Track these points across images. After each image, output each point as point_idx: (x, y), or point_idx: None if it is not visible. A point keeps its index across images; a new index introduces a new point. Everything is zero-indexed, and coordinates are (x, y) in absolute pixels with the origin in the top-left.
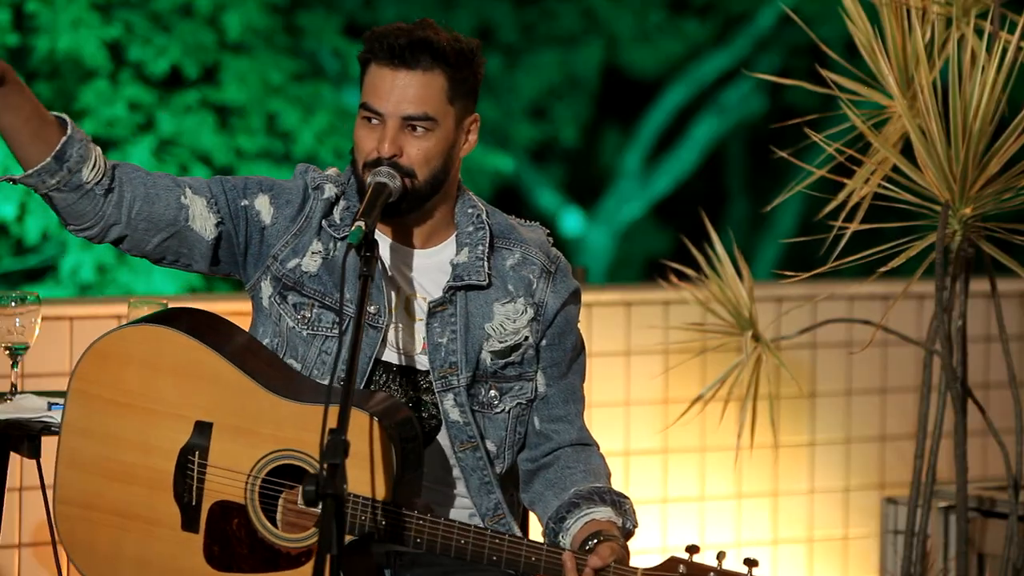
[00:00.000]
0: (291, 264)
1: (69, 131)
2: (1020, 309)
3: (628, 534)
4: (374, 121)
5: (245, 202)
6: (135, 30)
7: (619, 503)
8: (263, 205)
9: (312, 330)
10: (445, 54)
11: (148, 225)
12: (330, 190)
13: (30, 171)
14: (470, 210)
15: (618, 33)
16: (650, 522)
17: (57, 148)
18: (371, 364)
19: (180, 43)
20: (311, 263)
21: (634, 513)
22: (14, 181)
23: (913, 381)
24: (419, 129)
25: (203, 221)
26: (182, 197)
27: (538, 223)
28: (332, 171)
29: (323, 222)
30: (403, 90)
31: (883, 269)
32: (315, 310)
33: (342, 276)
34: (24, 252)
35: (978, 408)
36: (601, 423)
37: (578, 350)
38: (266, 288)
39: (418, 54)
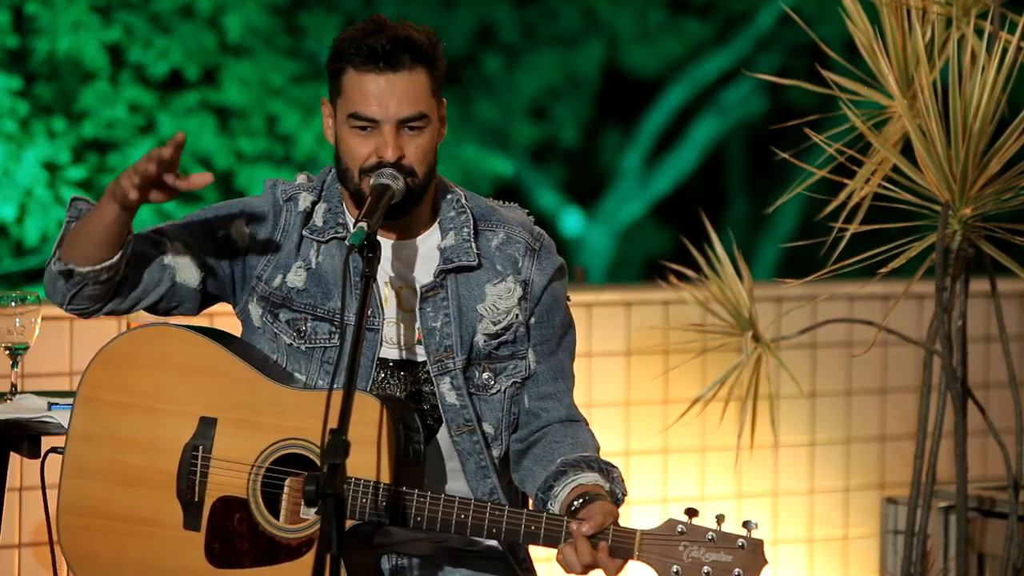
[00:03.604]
0: (276, 282)
1: (132, 231)
2: (1020, 309)
3: (617, 502)
4: (368, 129)
5: (222, 232)
6: (135, 32)
7: (607, 470)
8: (238, 231)
9: (310, 343)
10: (424, 50)
11: (139, 293)
12: (305, 200)
13: (99, 266)
14: (449, 196)
15: (619, 33)
16: (651, 522)
17: (124, 248)
18: (374, 365)
19: (181, 45)
20: (296, 278)
21: (623, 482)
22: (72, 274)
23: (913, 381)
24: (414, 128)
25: (187, 271)
26: (164, 258)
27: (516, 204)
28: (301, 178)
29: (303, 231)
30: (394, 93)
31: (883, 270)
32: (309, 323)
33: (343, 279)
34: (24, 253)
35: (978, 408)
36: (601, 423)
37: (566, 327)
38: (255, 309)
39: (400, 54)
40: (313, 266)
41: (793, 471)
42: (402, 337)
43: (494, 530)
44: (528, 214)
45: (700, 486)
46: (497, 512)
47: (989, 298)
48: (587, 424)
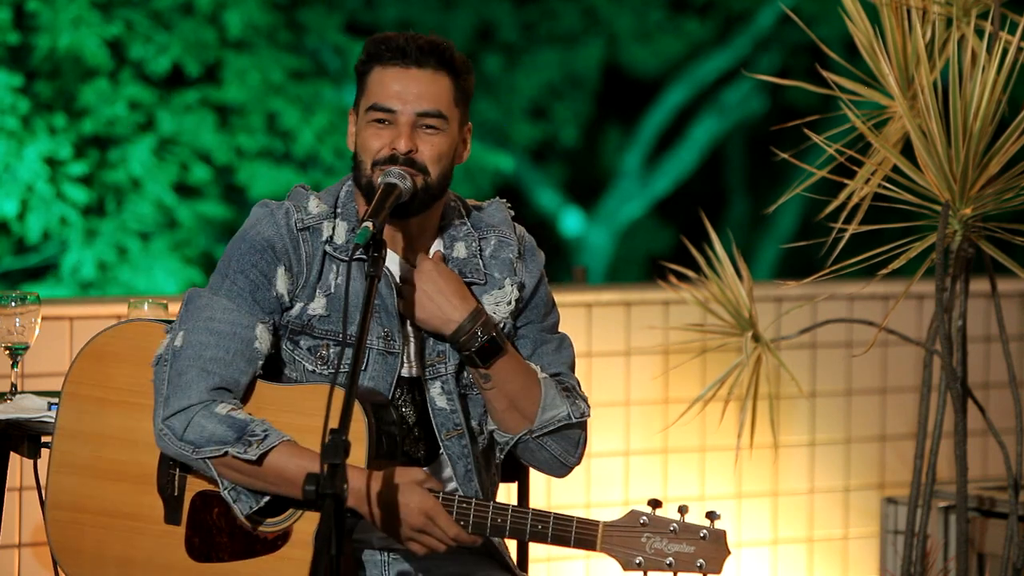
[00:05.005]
0: (295, 310)
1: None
2: (1020, 309)
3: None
4: (385, 122)
5: (275, 292)
6: (136, 28)
7: (572, 389)
8: (282, 282)
9: (332, 368)
10: (452, 59)
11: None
12: (328, 228)
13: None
14: (452, 203)
15: (618, 32)
16: None
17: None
18: (393, 386)
19: (181, 41)
20: (317, 306)
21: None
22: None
23: (913, 381)
24: (431, 128)
25: (264, 342)
26: (256, 343)
27: (496, 197)
28: (313, 203)
29: (325, 247)
30: (415, 87)
31: (884, 271)
32: (331, 349)
33: (347, 283)
34: (25, 251)
35: (978, 408)
36: (601, 423)
37: (556, 317)
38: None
39: (427, 56)
40: (333, 290)
41: (793, 471)
42: (414, 356)
43: (499, 528)
44: (509, 207)
45: (700, 486)
46: (501, 511)
47: (989, 298)
48: (579, 387)
